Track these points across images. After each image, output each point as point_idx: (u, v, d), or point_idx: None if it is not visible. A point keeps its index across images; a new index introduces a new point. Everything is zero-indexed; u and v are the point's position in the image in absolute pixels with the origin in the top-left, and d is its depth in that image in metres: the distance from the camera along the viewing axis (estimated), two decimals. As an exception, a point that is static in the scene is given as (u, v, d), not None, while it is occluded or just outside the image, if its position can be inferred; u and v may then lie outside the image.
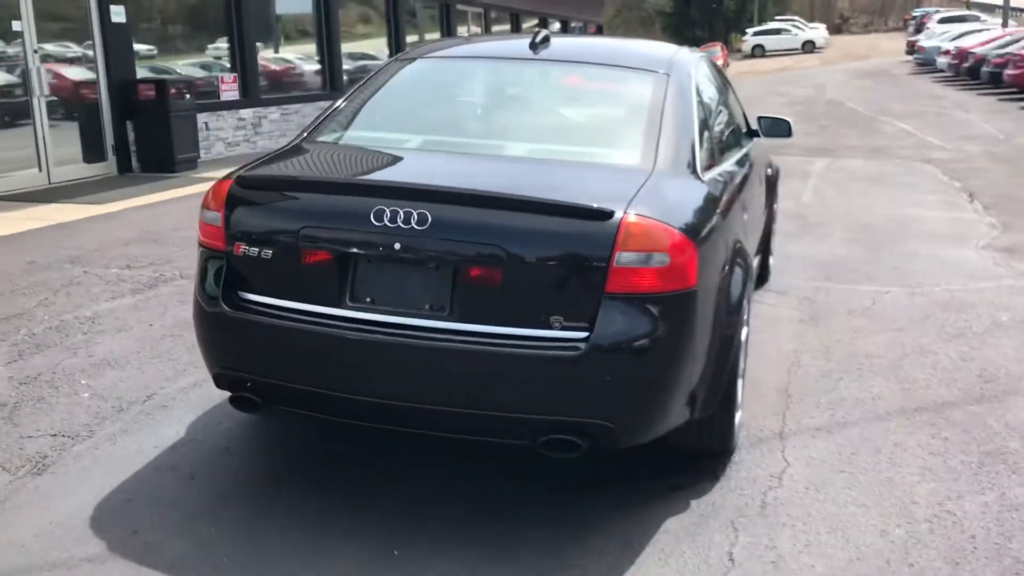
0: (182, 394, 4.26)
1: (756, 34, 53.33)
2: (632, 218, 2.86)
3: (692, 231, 3.00)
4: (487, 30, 23.32)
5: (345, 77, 16.36)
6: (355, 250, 3.00)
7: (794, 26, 55.51)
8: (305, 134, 3.69)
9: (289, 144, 3.66)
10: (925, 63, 34.54)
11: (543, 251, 2.89)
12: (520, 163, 3.39)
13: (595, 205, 2.86)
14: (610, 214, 2.85)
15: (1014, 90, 22.92)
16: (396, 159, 3.51)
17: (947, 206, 9.32)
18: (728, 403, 3.41)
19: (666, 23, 59.05)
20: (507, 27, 25.15)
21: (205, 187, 3.66)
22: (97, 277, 6.30)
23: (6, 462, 3.61)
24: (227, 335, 3.18)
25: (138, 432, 3.87)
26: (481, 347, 2.88)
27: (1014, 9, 45.11)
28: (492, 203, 2.92)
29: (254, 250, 3.10)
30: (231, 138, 13.52)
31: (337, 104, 3.88)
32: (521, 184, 3.05)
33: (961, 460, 3.66)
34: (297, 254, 3.04)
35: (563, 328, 2.87)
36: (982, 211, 8.97)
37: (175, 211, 8.93)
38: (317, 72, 16.26)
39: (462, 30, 21.60)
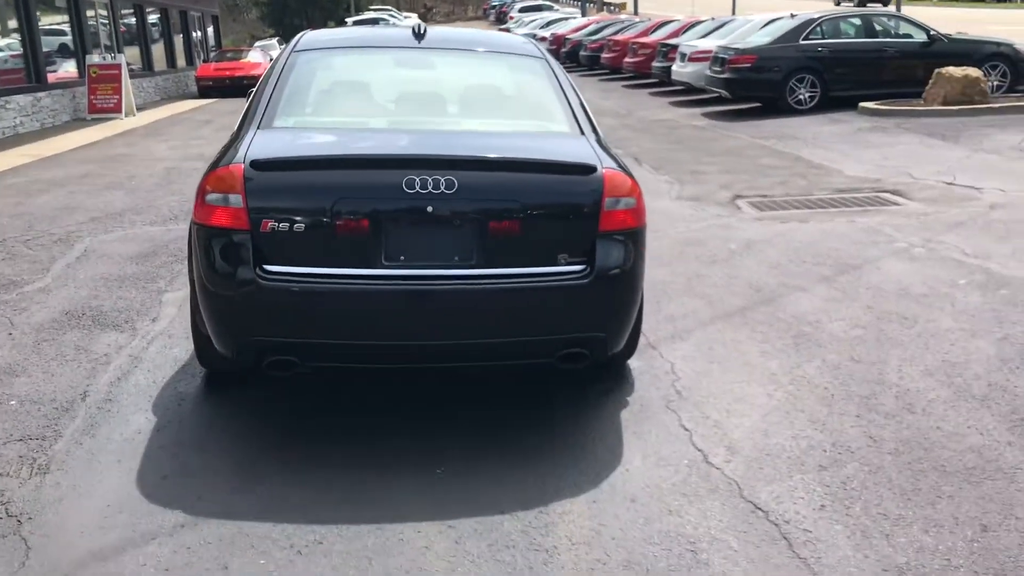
0: (114, 389, 4.29)
1: (356, 23, 54.68)
2: (609, 171, 3.66)
3: (636, 181, 3.86)
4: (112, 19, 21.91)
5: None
6: (388, 216, 3.47)
7: (390, 15, 57.89)
8: (258, 121, 3.95)
9: (245, 130, 3.91)
10: (522, 49, 38.01)
11: (548, 202, 3.59)
12: (490, 136, 4.00)
13: (585, 162, 3.61)
14: (594, 168, 3.62)
15: (608, 71, 26.42)
16: (386, 136, 3.95)
17: (625, 169, 11.03)
18: (640, 315, 4.33)
19: (264, 12, 58.46)
20: (132, 18, 23.80)
21: None
22: None
23: (2, 470, 3.52)
24: (260, 306, 3.46)
25: (108, 424, 3.92)
26: (504, 285, 3.51)
27: (587, 0, 51.01)
28: (507, 166, 3.55)
29: (284, 225, 3.43)
30: None
31: (263, 93, 4.16)
32: (511, 151, 3.70)
33: (783, 343, 4.92)
34: (331, 225, 3.43)
35: (568, 263, 3.59)
36: (654, 172, 10.77)
37: None
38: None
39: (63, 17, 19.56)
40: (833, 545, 3.09)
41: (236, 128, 4.07)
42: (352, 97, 4.35)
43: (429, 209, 3.45)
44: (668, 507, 3.32)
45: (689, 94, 19.53)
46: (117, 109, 18.34)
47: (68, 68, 19.11)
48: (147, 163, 11.59)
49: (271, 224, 3.44)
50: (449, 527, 3.20)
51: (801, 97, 15.06)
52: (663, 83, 21.22)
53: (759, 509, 3.30)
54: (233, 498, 3.35)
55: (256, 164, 3.48)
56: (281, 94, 4.14)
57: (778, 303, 5.58)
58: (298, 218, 3.44)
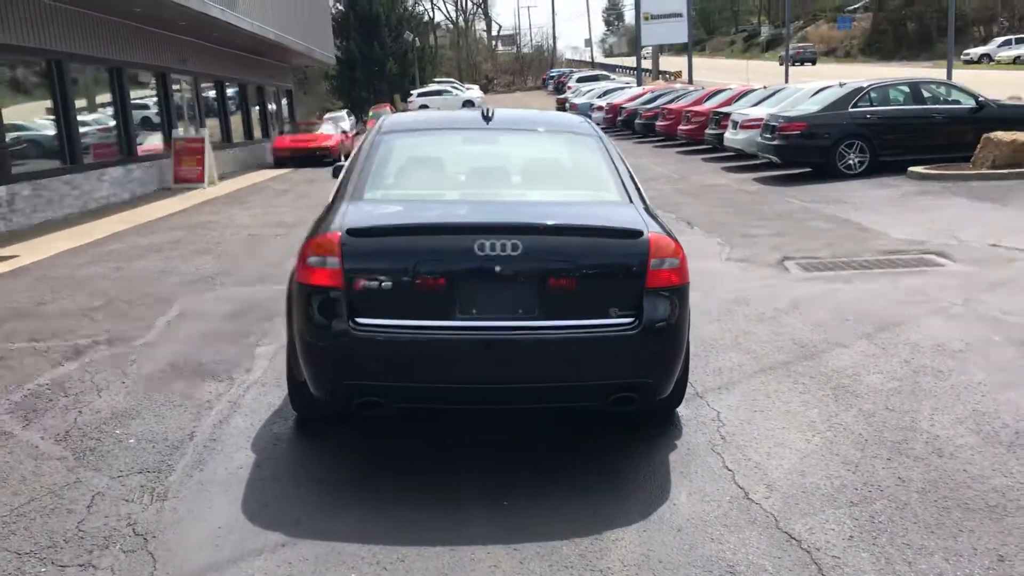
0: (217, 430, 4.85)
1: (421, 95, 56.43)
2: (654, 235, 4.15)
3: (679, 243, 4.34)
4: (196, 96, 23.29)
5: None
6: (461, 275, 4.00)
7: (453, 87, 59.61)
8: (350, 194, 4.54)
9: (338, 202, 4.50)
10: (579, 117, 38.93)
11: (601, 262, 4.09)
12: (549, 205, 4.54)
13: (632, 227, 4.12)
14: (640, 232, 4.12)
15: (663, 138, 27.05)
16: (459, 206, 4.53)
17: (678, 232, 11.50)
18: (687, 366, 4.77)
19: (333, 85, 60.67)
20: (212, 92, 25.21)
21: None
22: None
23: (125, 496, 4.08)
24: (352, 353, 4.00)
25: (214, 461, 4.46)
26: (562, 335, 4.00)
27: (643, 70, 52.11)
28: (564, 231, 4.08)
29: (374, 283, 3.98)
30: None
31: (354, 169, 4.77)
32: (568, 218, 4.23)
33: (823, 394, 5.30)
34: (413, 283, 3.97)
35: (618, 316, 4.07)
36: (706, 234, 11.21)
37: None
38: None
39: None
40: (859, 570, 3.45)
41: (330, 200, 4.66)
42: (430, 172, 4.95)
43: (497, 269, 3.97)
44: (710, 536, 3.72)
45: (741, 160, 19.99)
46: (200, 179, 19.47)
47: (155, 141, 20.37)
48: (231, 230, 12.42)
49: (363, 283, 3.98)
50: (514, 550, 3.64)
51: (851, 162, 15.42)
52: (716, 149, 21.72)
53: (793, 539, 3.69)
54: (326, 523, 3.84)
55: (352, 232, 4.05)
56: (369, 170, 4.73)
57: (820, 358, 5.96)
58: (385, 277, 3.98)
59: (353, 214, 4.26)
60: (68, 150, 15.31)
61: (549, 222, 4.11)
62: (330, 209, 4.48)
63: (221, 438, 4.75)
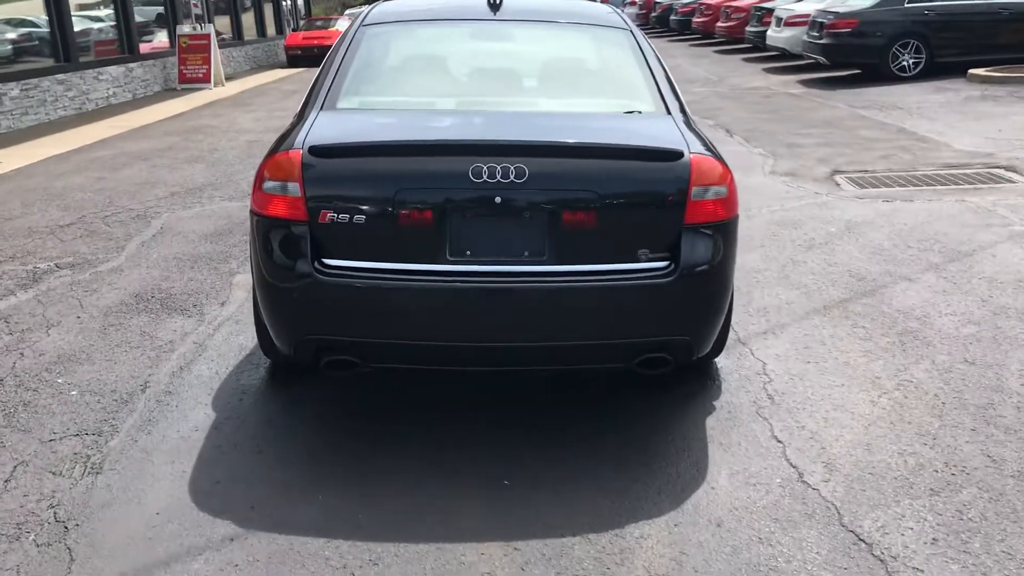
0: (176, 380, 4.15)
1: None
2: (697, 156, 3.30)
3: (728, 167, 3.49)
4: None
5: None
6: (453, 208, 3.19)
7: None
8: (320, 101, 3.71)
9: (307, 112, 3.67)
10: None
11: (629, 191, 3.25)
12: (566, 118, 3.68)
13: (670, 147, 3.27)
14: (680, 154, 3.26)
15: (700, 36, 25.60)
16: (454, 119, 3.67)
17: (716, 142, 10.55)
18: (730, 310, 3.97)
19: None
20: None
21: None
22: (-52, 278, 5.68)
23: (52, 467, 3.41)
24: (318, 302, 3.24)
25: (166, 420, 3.77)
26: (578, 284, 3.20)
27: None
28: (583, 153, 3.23)
29: (344, 216, 3.18)
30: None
31: (329, 71, 3.92)
32: (588, 134, 3.38)
33: (887, 341, 4.49)
34: (393, 216, 3.17)
35: (649, 260, 3.26)
36: (746, 144, 10.25)
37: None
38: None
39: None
40: (949, 588, 2.73)
41: (300, 108, 3.84)
42: (421, 75, 4.07)
43: (497, 200, 3.16)
44: (758, 534, 2.99)
45: (784, 60, 18.75)
46: (206, 79, 18.51)
47: (160, 39, 19.37)
48: (230, 135, 11.58)
49: (330, 215, 3.19)
50: (515, 549, 2.93)
51: (905, 64, 14.23)
52: (757, 48, 20.45)
53: (862, 541, 2.95)
54: (286, 509, 3.14)
55: (315, 150, 3.24)
56: (347, 72, 3.89)
57: (882, 294, 5.14)
58: (358, 209, 3.18)
59: (320, 128, 3.43)
60: (62, 46, 14.37)
61: (564, 140, 3.26)
62: (297, 121, 3.66)
63: (179, 390, 4.04)
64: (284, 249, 3.26)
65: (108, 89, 15.92)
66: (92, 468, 3.40)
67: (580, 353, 3.33)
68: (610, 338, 3.29)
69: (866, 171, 8.40)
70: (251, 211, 3.42)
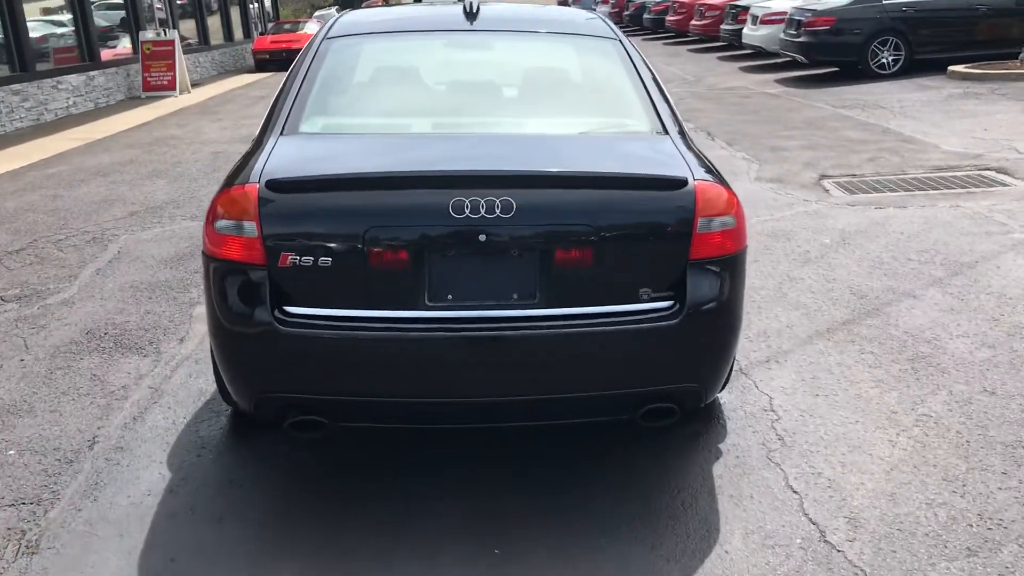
0: (128, 432, 3.76)
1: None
2: (702, 184, 2.97)
3: (734, 192, 3.16)
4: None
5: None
6: (432, 247, 2.83)
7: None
8: (280, 125, 3.34)
9: (265, 138, 3.30)
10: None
11: (628, 225, 2.91)
12: (556, 141, 3.33)
13: (672, 174, 2.93)
14: (684, 181, 2.93)
15: (674, 35, 25.34)
16: (430, 144, 3.30)
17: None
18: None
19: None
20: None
21: None
22: None
23: (-18, 547, 3.01)
24: (280, 355, 2.87)
25: (115, 483, 3.38)
26: (573, 329, 2.86)
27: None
28: (576, 183, 2.88)
29: (307, 259, 2.82)
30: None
31: (290, 89, 3.55)
32: (582, 160, 3.03)
33: (899, 368, 4.19)
34: (363, 258, 2.81)
35: (651, 299, 2.92)
36: (728, 148, 9.96)
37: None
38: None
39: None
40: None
41: (258, 131, 3.47)
42: (392, 95, 3.69)
43: (482, 237, 2.81)
44: (781, 609, 2.67)
45: (760, 58, 18.52)
46: (171, 86, 17.98)
47: (123, 44, 18.81)
48: (194, 147, 11.14)
49: (292, 257, 2.83)
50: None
51: (884, 61, 14.02)
52: (732, 47, 20.19)
53: (898, 615, 2.63)
54: (250, 591, 2.78)
55: (273, 185, 2.86)
56: (309, 92, 3.51)
57: (886, 313, 4.83)
58: (324, 249, 2.82)
59: (279, 157, 3.06)
60: (17, 55, 13.83)
61: (554, 169, 2.91)
62: (255, 147, 3.29)
63: (130, 445, 3.65)
64: (240, 296, 2.89)
65: (68, 99, 15.39)
66: (27, 547, 3.00)
67: (576, 406, 2.99)
68: (610, 389, 2.95)
69: (854, 175, 8.13)
70: (203, 252, 3.05)
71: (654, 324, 2.88)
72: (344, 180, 2.91)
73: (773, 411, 3.84)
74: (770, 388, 4.05)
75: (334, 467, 3.48)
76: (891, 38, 13.94)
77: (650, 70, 3.80)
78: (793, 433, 3.65)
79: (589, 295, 2.89)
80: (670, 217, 2.91)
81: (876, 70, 13.99)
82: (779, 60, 17.20)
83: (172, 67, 17.96)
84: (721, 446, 3.57)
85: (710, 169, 3.14)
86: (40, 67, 14.62)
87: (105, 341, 4.72)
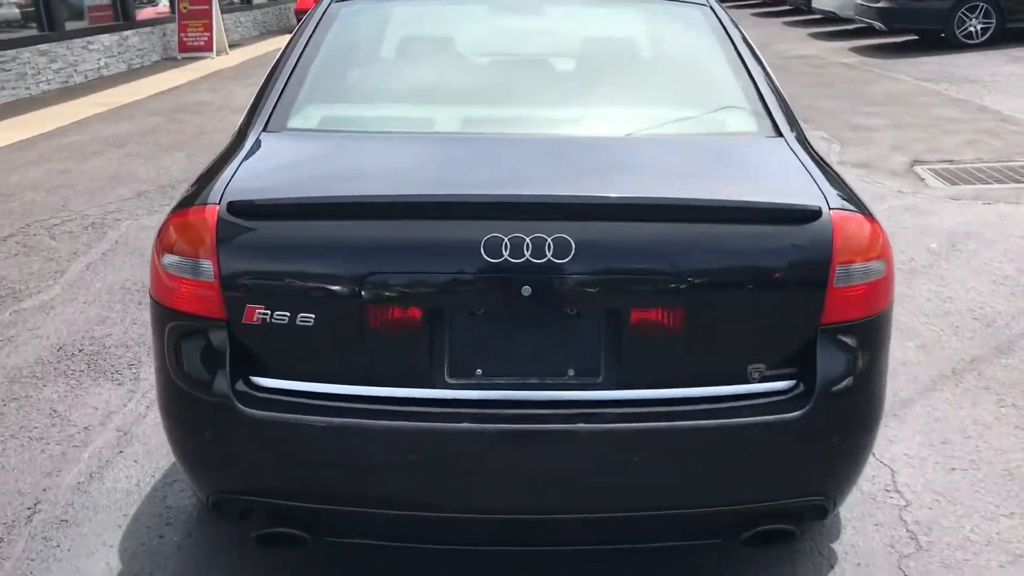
0: (80, 495, 3.00)
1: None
2: (839, 214, 2.09)
3: (878, 223, 2.27)
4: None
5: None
6: (455, 302, 2.00)
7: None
8: (265, 117, 2.51)
9: (245, 134, 2.49)
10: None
11: (734, 274, 2.04)
12: (632, 148, 2.45)
13: (800, 202, 2.05)
14: (817, 212, 2.05)
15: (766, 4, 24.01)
16: (456, 152, 2.42)
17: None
18: None
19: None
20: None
21: None
22: None
23: None
24: (241, 444, 2.07)
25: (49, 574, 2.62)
26: (653, 422, 2.01)
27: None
28: (660, 214, 2.02)
29: (282, 314, 2.00)
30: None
31: (282, 68, 2.72)
32: (666, 180, 2.17)
33: (1055, 432, 3.29)
34: (360, 314, 1.99)
35: (764, 379, 2.06)
36: (805, 125, 8.94)
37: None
38: None
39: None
40: None
41: (239, 125, 2.65)
42: (411, 77, 2.83)
43: (526, 290, 1.97)
44: None
45: (830, 24, 17.31)
46: (208, 48, 17.21)
47: (162, 2, 18.09)
48: (222, 114, 10.37)
49: (261, 311, 2.01)
50: None
51: (972, 30, 12.80)
52: (799, 11, 18.94)
53: None
54: None
55: (238, 208, 2.04)
56: (306, 73, 2.68)
57: (1023, 348, 3.92)
58: (306, 302, 2.00)
59: (253, 166, 2.25)
60: (45, 13, 13.14)
61: (630, 193, 2.05)
62: (229, 149, 2.47)
63: (78, 518, 2.89)
64: (191, 360, 2.09)
65: (99, 60, 14.69)
66: None
67: (653, 528, 2.15)
68: (703, 505, 2.10)
69: (951, 161, 7.14)
70: (150, 294, 2.25)
71: (769, 415, 2.03)
72: (337, 204, 2.06)
73: (898, 491, 2.98)
74: (891, 456, 3.18)
75: (328, 560, 2.69)
76: (981, 4, 12.71)
77: (750, 47, 2.91)
78: (929, 528, 2.79)
79: (676, 373, 2.03)
80: (795, 263, 2.05)
81: (963, 39, 12.78)
82: (850, 27, 15.98)
83: (209, 27, 17.18)
84: (836, 548, 2.71)
85: (846, 190, 2.26)
86: (70, 26, 13.93)
87: (77, 362, 3.97)
